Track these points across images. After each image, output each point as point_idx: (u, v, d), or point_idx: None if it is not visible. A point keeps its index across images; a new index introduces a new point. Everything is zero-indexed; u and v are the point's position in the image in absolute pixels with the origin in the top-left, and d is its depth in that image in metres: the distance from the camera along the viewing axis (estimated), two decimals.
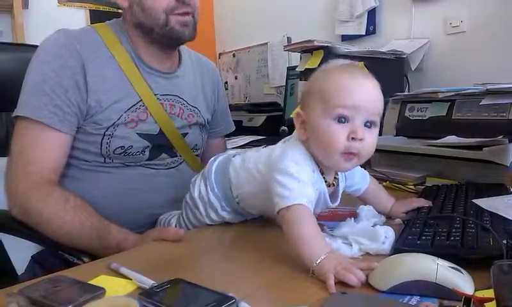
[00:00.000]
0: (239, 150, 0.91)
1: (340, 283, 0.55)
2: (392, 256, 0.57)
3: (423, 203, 0.84)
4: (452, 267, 0.51)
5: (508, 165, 0.94)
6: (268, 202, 0.69)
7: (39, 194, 0.87)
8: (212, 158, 0.87)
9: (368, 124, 0.68)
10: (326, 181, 0.73)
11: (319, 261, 0.58)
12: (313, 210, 0.71)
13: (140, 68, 0.99)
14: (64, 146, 0.93)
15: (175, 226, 0.90)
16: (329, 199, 0.75)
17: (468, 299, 0.42)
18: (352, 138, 0.66)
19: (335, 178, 0.76)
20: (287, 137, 0.77)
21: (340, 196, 0.78)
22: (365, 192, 0.85)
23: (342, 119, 0.66)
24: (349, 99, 0.66)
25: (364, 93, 0.67)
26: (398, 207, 0.84)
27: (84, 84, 0.91)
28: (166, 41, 0.99)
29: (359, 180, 0.84)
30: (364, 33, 1.88)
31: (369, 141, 0.68)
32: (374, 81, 0.69)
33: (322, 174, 0.73)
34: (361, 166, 0.82)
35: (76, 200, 0.87)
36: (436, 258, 0.53)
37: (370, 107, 0.67)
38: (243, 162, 0.81)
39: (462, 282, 0.50)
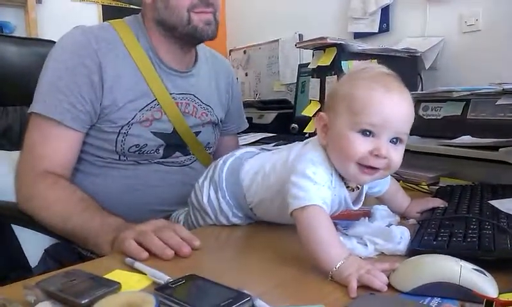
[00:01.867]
0: (248, 149, 0.87)
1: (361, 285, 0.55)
2: (414, 257, 0.57)
3: (439, 203, 0.83)
4: (476, 269, 0.51)
5: None
6: (286, 209, 0.66)
7: (46, 181, 0.87)
8: (221, 162, 0.84)
9: (395, 140, 0.65)
10: (348, 187, 0.71)
11: (338, 265, 0.57)
12: (332, 212, 0.70)
13: (157, 67, 0.99)
14: (75, 144, 0.93)
15: (183, 224, 0.90)
16: (351, 203, 0.72)
17: (489, 302, 0.42)
18: (376, 155, 0.63)
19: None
20: (307, 140, 0.74)
21: (363, 200, 0.75)
22: (385, 193, 0.82)
23: (366, 133, 0.63)
24: (377, 115, 0.62)
25: (394, 109, 0.63)
26: (413, 207, 0.83)
27: (99, 83, 0.92)
28: (188, 39, 0.99)
29: (382, 181, 0.80)
30: (377, 31, 1.86)
31: (394, 158, 0.65)
32: (406, 95, 0.65)
33: (342, 179, 0.69)
34: None
35: (83, 194, 0.87)
36: (459, 259, 0.52)
37: (398, 125, 0.64)
38: (259, 168, 0.78)
39: (485, 284, 0.49)
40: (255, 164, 0.80)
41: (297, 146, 0.74)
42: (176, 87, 1.01)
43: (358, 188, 0.73)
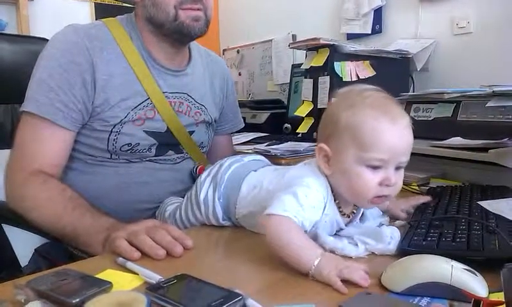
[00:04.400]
0: (257, 157, 0.88)
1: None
2: (406, 257, 0.57)
3: (424, 199, 0.84)
4: (466, 269, 0.52)
5: None
6: None
7: (36, 181, 0.87)
8: (227, 164, 0.84)
9: (398, 166, 0.67)
10: (342, 212, 0.72)
11: (316, 263, 0.58)
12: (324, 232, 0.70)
13: (150, 66, 0.99)
14: (66, 143, 0.93)
15: (169, 215, 0.90)
16: (343, 224, 0.73)
17: (477, 302, 0.42)
18: (386, 185, 0.65)
19: (354, 205, 0.74)
20: (307, 161, 0.75)
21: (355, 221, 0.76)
22: None
23: (375, 166, 0.65)
24: (387, 151, 0.64)
25: (401, 141, 0.65)
26: (395, 205, 0.83)
27: (92, 82, 0.91)
28: (177, 36, 0.98)
29: None
30: (370, 32, 1.87)
31: (399, 182, 0.67)
32: (408, 122, 0.66)
33: (339, 207, 0.71)
34: None
35: (73, 193, 0.86)
36: (450, 259, 0.53)
37: (404, 153, 0.66)
38: (257, 182, 0.78)
39: (476, 284, 0.50)
40: (257, 177, 0.80)
41: (296, 167, 0.75)
42: (169, 86, 1.01)
43: (354, 213, 0.74)
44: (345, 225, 0.73)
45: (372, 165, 0.65)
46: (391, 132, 0.64)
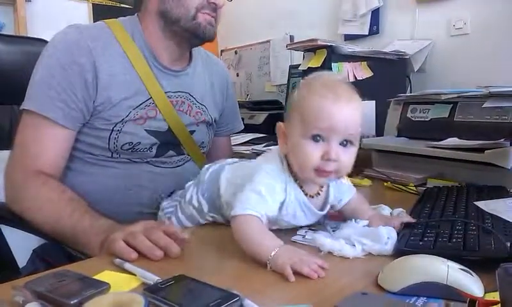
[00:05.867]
0: (232, 160, 0.91)
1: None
2: (402, 257, 0.58)
3: (406, 220, 0.75)
4: (462, 269, 0.52)
5: (509, 168, 0.94)
6: None
7: (36, 182, 0.87)
8: (206, 167, 0.89)
9: (345, 142, 0.69)
10: (306, 194, 0.74)
11: (273, 253, 0.61)
12: (301, 219, 0.75)
13: (152, 65, 0.99)
14: (66, 142, 0.93)
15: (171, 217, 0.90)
16: (314, 209, 0.76)
17: (473, 302, 0.43)
18: (327, 159, 0.68)
19: (321, 187, 0.76)
20: (266, 151, 0.78)
21: (329, 205, 0.78)
22: (349, 202, 0.82)
23: (317, 138, 0.68)
24: (326, 122, 0.67)
25: (342, 116, 0.67)
26: (377, 221, 0.76)
27: (93, 82, 0.91)
28: (188, 36, 0.99)
29: (344, 191, 0.81)
30: (367, 33, 1.88)
31: (344, 159, 0.69)
32: (355, 102, 0.69)
33: (301, 186, 0.74)
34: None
35: (72, 194, 0.87)
36: (446, 260, 0.53)
37: (346, 130, 0.68)
38: (233, 173, 0.82)
39: (472, 284, 0.50)
40: (233, 169, 0.84)
41: (259, 157, 0.79)
42: (171, 85, 1.01)
43: (319, 194, 0.76)
44: (317, 209, 0.75)
45: (313, 136, 0.68)
46: (332, 105, 0.67)
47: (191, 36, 0.99)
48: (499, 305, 0.41)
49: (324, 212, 0.79)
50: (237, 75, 2.74)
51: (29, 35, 1.98)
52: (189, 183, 0.89)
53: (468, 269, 0.53)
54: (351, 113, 0.68)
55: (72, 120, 0.91)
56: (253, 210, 0.67)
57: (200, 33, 0.98)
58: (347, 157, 0.70)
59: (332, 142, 0.68)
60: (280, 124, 0.74)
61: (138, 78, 0.96)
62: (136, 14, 1.04)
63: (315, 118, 0.67)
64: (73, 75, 0.90)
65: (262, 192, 0.69)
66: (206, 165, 0.89)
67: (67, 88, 0.90)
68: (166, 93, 0.99)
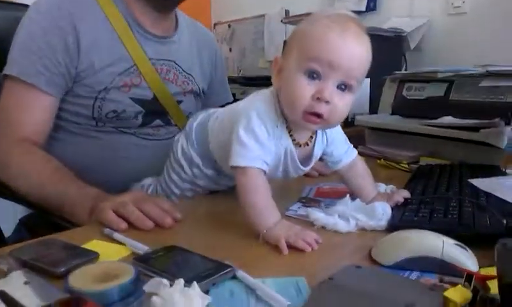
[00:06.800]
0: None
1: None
2: (397, 231, 0.57)
3: (405, 194, 0.74)
4: (457, 244, 0.51)
5: (503, 147, 0.94)
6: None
7: (21, 149, 0.85)
8: (193, 117, 0.84)
9: (343, 87, 0.62)
10: (294, 140, 0.69)
11: (270, 226, 0.60)
12: (278, 169, 0.71)
13: (135, 31, 0.96)
14: (50, 109, 0.90)
15: (151, 193, 0.88)
16: (297, 161, 0.71)
17: (470, 276, 0.42)
18: (318, 98, 0.61)
19: (311, 137, 0.72)
20: (261, 90, 0.72)
21: (313, 161, 0.74)
22: (348, 169, 0.77)
23: (313, 75, 0.61)
24: (325, 54, 0.60)
25: (345, 51, 0.60)
26: (380, 200, 0.73)
27: (75, 46, 0.88)
28: (161, 1, 0.96)
29: (342, 151, 0.77)
30: (364, 9, 1.85)
31: (338, 105, 0.62)
32: (363, 40, 0.62)
33: (290, 131, 0.68)
34: (354, 145, 0.79)
35: (58, 163, 0.85)
36: (441, 234, 0.52)
37: (348, 68, 0.60)
38: (221, 114, 0.78)
39: (467, 259, 0.50)
40: (220, 111, 0.79)
41: (250, 96, 0.73)
42: (156, 52, 0.98)
43: (307, 145, 0.72)
44: (301, 163, 0.72)
45: (309, 71, 0.61)
46: (336, 37, 0.59)
47: (163, 1, 0.96)
48: (496, 280, 0.41)
49: (306, 169, 0.74)
50: (230, 50, 2.69)
51: (14, 1, 1.90)
52: (177, 137, 0.85)
53: (463, 244, 0.52)
54: (356, 50, 0.60)
55: (54, 86, 0.89)
56: (255, 161, 0.63)
57: None
58: (342, 104, 0.63)
59: (329, 81, 0.61)
60: (276, 57, 0.68)
61: (121, 44, 0.93)
62: None
63: (315, 48, 0.60)
64: (54, 38, 0.88)
65: (259, 137, 0.64)
66: (194, 115, 0.85)
67: (48, 53, 0.87)
68: (150, 59, 0.97)
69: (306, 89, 0.61)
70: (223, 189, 0.87)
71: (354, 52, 0.61)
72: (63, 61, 0.88)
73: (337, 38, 0.60)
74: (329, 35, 0.60)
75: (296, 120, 0.66)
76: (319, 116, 0.63)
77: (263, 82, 2.09)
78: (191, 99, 1.08)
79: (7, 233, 1.01)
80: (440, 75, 1.20)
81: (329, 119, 0.63)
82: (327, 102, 0.61)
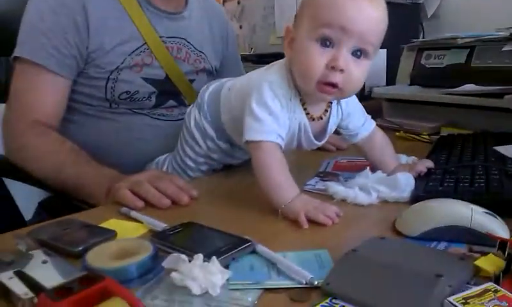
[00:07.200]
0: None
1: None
2: (421, 202, 0.55)
3: (428, 164, 0.72)
4: (487, 212, 0.49)
5: None
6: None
7: (35, 132, 0.85)
8: (205, 87, 0.83)
9: (359, 53, 0.59)
10: (308, 114, 0.67)
11: (288, 201, 0.58)
12: (292, 143, 0.69)
13: (144, 8, 0.93)
14: (62, 91, 0.89)
15: (167, 168, 0.87)
16: (311, 136, 0.69)
17: (503, 243, 0.40)
18: (332, 67, 0.58)
19: (325, 110, 0.69)
20: (275, 62, 0.69)
21: (328, 134, 0.72)
22: (366, 141, 0.75)
23: (326, 43, 0.58)
24: (337, 18, 0.56)
25: (358, 14, 0.56)
26: (402, 170, 0.70)
27: (84, 25, 0.86)
28: None
29: (359, 123, 0.74)
30: None
31: (354, 73, 0.59)
32: (377, 2, 0.58)
33: (303, 104, 0.66)
34: (372, 117, 0.76)
35: (73, 145, 0.84)
36: (469, 203, 0.50)
37: (362, 32, 0.57)
38: (232, 85, 0.76)
39: (497, 227, 0.48)
40: (233, 82, 0.77)
41: (265, 67, 0.70)
42: (166, 30, 0.96)
43: (321, 119, 0.69)
44: (315, 138, 0.70)
45: (322, 39, 0.58)
46: (348, 2, 0.56)
47: None
48: None
49: (320, 143, 0.72)
50: (240, 27, 2.64)
51: None
52: (189, 109, 0.83)
53: (493, 213, 0.50)
54: (370, 13, 0.57)
55: (65, 68, 0.87)
56: (270, 134, 0.61)
57: None
58: (358, 71, 0.59)
59: (343, 47, 0.57)
60: (288, 26, 0.64)
61: (131, 23, 0.91)
62: None
63: (327, 13, 0.57)
64: (63, 18, 0.86)
65: (273, 110, 0.62)
66: (205, 86, 0.83)
67: (58, 33, 0.85)
68: (160, 37, 0.94)
69: (319, 58, 0.58)
70: (238, 163, 0.85)
71: (367, 14, 0.57)
72: (74, 42, 0.87)
73: (349, 1, 0.57)
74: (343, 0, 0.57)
75: (309, 91, 0.63)
76: (333, 85, 0.60)
77: (275, 59, 2.06)
78: (204, 78, 1.06)
79: (27, 216, 1.02)
80: (460, 41, 1.15)
81: (344, 89, 0.60)
82: (341, 71, 0.58)
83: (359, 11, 0.57)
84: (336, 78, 0.59)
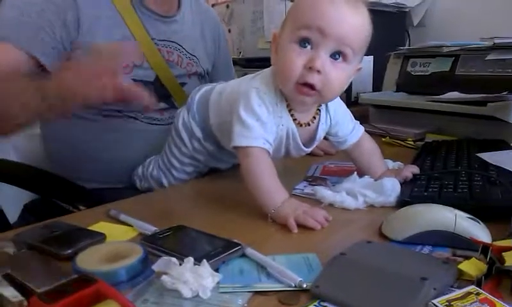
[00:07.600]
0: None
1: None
2: (407, 206, 0.56)
3: (414, 169, 0.73)
4: (470, 218, 0.50)
5: (511, 121, 0.93)
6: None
7: None
8: (197, 88, 0.84)
9: (337, 56, 0.59)
10: (295, 120, 0.68)
11: (277, 206, 0.59)
12: (281, 150, 0.70)
13: (137, 10, 0.93)
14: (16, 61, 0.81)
15: (153, 169, 0.87)
16: (300, 142, 0.70)
17: (486, 248, 0.42)
18: (310, 68, 0.59)
19: (314, 117, 0.70)
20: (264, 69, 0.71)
21: (317, 141, 0.73)
22: (355, 147, 0.76)
23: (304, 44, 0.59)
24: (316, 20, 0.57)
25: (335, 16, 0.57)
26: (388, 175, 0.71)
27: (75, 22, 0.85)
28: None
29: (348, 130, 0.75)
30: None
31: (332, 75, 0.59)
32: (357, 7, 0.59)
33: (290, 110, 0.67)
34: (361, 122, 0.78)
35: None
36: (453, 208, 0.52)
37: (340, 36, 0.57)
38: (222, 89, 0.77)
39: (480, 232, 0.49)
40: (223, 86, 0.79)
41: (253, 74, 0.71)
42: (158, 33, 0.96)
43: (309, 125, 0.70)
44: (304, 145, 0.71)
45: (300, 40, 0.59)
46: (326, 4, 0.57)
47: None
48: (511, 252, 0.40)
49: (308, 150, 0.73)
50: (229, 31, 2.65)
51: None
52: (179, 110, 0.84)
53: (476, 218, 0.52)
54: (348, 16, 0.58)
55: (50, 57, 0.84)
56: (257, 140, 0.62)
57: None
58: (336, 74, 0.60)
59: (321, 49, 0.58)
60: (275, 32, 0.66)
61: (123, 23, 0.91)
62: None
63: (307, 15, 0.58)
64: (51, 14, 0.83)
65: (261, 116, 0.63)
66: (197, 87, 0.84)
67: (45, 24, 0.83)
68: (152, 39, 0.94)
69: (297, 59, 0.59)
70: (226, 167, 0.85)
71: (345, 17, 0.58)
72: (59, 36, 0.84)
73: (327, 4, 0.58)
74: (320, 1, 0.58)
75: (289, 93, 0.64)
76: (311, 87, 0.60)
77: (265, 63, 2.07)
78: (196, 81, 1.06)
79: (12, 219, 1.01)
80: (445, 50, 1.17)
81: (322, 91, 0.61)
82: (319, 72, 0.59)
83: (338, 15, 0.58)
84: (314, 79, 0.59)
